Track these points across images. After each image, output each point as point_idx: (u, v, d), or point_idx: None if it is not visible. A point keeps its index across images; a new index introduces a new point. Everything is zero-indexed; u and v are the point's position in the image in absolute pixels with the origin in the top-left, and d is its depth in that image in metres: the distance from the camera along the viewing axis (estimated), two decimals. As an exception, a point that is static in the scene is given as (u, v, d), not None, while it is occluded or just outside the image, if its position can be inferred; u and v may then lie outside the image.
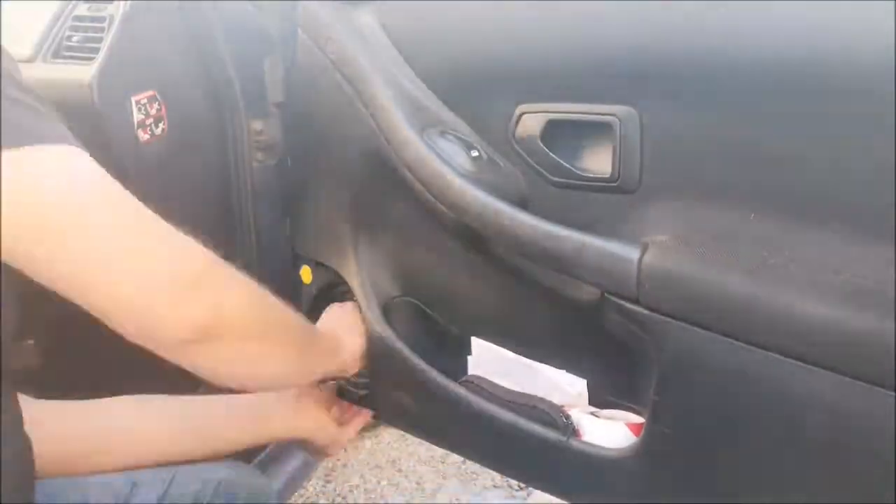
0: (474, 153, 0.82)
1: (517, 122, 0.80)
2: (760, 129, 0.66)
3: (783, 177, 0.66)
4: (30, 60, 0.99)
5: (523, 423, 0.88)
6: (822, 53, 0.62)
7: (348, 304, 1.01)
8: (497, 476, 1.71)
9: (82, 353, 0.95)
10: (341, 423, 1.01)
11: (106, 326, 0.56)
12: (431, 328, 0.98)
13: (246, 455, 1.12)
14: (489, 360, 0.95)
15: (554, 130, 0.78)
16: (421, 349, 0.96)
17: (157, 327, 0.56)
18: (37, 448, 0.62)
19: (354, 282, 0.99)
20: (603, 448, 0.83)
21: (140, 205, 0.56)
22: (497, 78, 0.83)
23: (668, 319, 0.70)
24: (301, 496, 1.68)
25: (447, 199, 0.81)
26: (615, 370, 0.85)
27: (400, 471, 1.77)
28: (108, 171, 0.55)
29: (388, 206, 0.94)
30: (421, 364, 0.95)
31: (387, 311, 0.98)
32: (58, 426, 0.74)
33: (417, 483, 1.74)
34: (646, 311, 0.71)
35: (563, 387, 0.89)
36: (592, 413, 0.87)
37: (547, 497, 0.96)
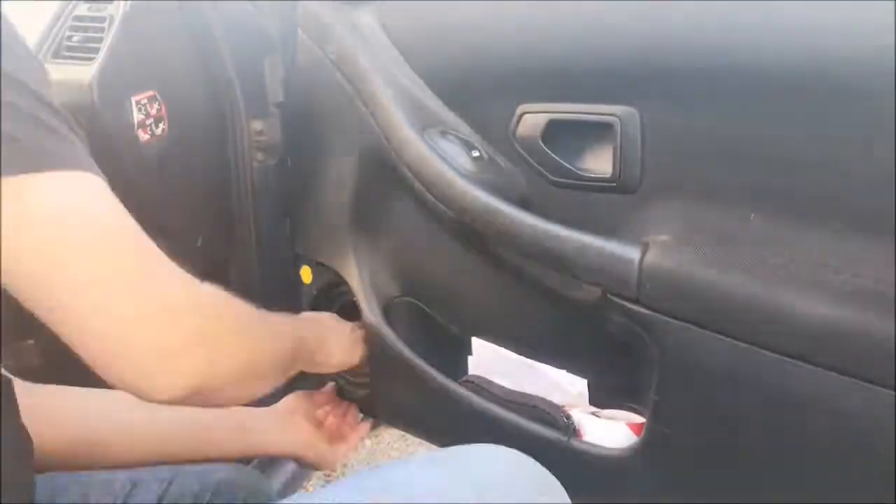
0: (475, 153, 0.83)
1: (518, 121, 0.80)
2: (760, 129, 0.66)
3: (783, 177, 0.66)
4: (30, 60, 0.99)
5: (524, 422, 0.88)
6: (823, 53, 0.62)
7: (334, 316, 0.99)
8: (497, 476, 1.70)
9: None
10: (338, 437, 0.99)
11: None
12: (431, 328, 0.98)
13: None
14: (489, 360, 0.95)
15: (555, 130, 0.78)
16: (421, 349, 0.96)
17: (144, 389, 0.53)
18: (36, 436, 0.62)
19: (354, 282, 0.99)
20: (604, 448, 0.83)
21: (142, 241, 0.53)
22: (498, 78, 0.83)
23: (669, 319, 0.70)
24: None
25: (448, 199, 0.81)
26: (616, 370, 0.85)
27: (400, 471, 1.77)
28: (107, 171, 0.55)
29: (388, 206, 0.94)
30: (421, 364, 0.95)
31: (387, 311, 0.98)
32: (58, 411, 0.74)
33: (417, 483, 1.73)
34: (646, 311, 0.71)
35: (563, 387, 0.89)
36: (593, 413, 0.87)
37: (547, 497, 0.95)
